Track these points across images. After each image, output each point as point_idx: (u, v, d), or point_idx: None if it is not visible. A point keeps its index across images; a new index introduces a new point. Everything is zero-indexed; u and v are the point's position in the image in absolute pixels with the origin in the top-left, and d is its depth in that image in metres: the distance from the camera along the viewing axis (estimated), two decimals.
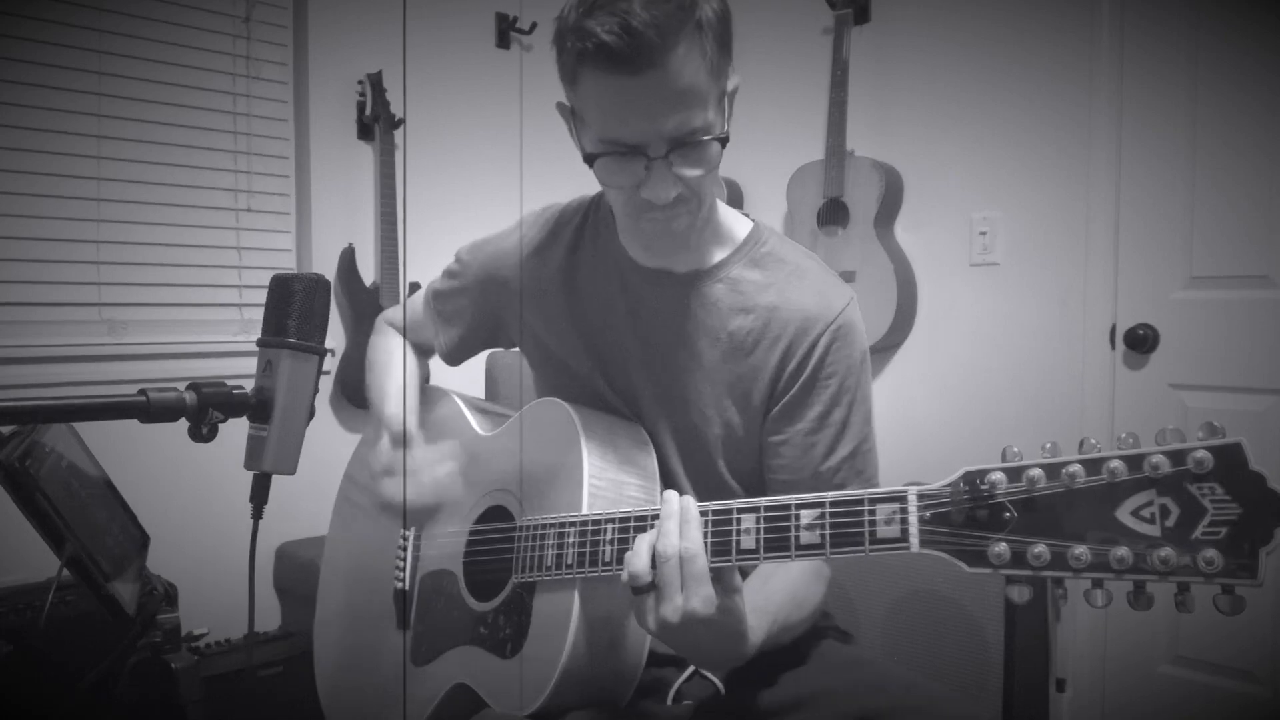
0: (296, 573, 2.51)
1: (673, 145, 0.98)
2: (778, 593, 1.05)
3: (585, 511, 1.05)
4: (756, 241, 1.17)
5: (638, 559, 0.90)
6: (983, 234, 2.64)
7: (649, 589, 0.89)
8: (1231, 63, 2.23)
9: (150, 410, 0.82)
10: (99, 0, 2.39)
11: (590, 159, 1.03)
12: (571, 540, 1.04)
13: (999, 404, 2.61)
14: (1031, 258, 2.57)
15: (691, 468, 1.16)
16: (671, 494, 0.92)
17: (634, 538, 0.98)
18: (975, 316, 2.67)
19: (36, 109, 2.31)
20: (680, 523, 0.89)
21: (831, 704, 1.05)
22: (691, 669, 1.12)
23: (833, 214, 2.71)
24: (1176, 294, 2.34)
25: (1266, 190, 2.20)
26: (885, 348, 2.76)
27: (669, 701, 1.10)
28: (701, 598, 0.87)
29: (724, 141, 1.02)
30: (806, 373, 1.11)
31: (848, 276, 2.63)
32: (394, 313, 1.47)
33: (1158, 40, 2.34)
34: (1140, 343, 2.37)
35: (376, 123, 2.81)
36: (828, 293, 1.14)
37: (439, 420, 1.37)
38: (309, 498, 1.84)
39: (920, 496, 0.81)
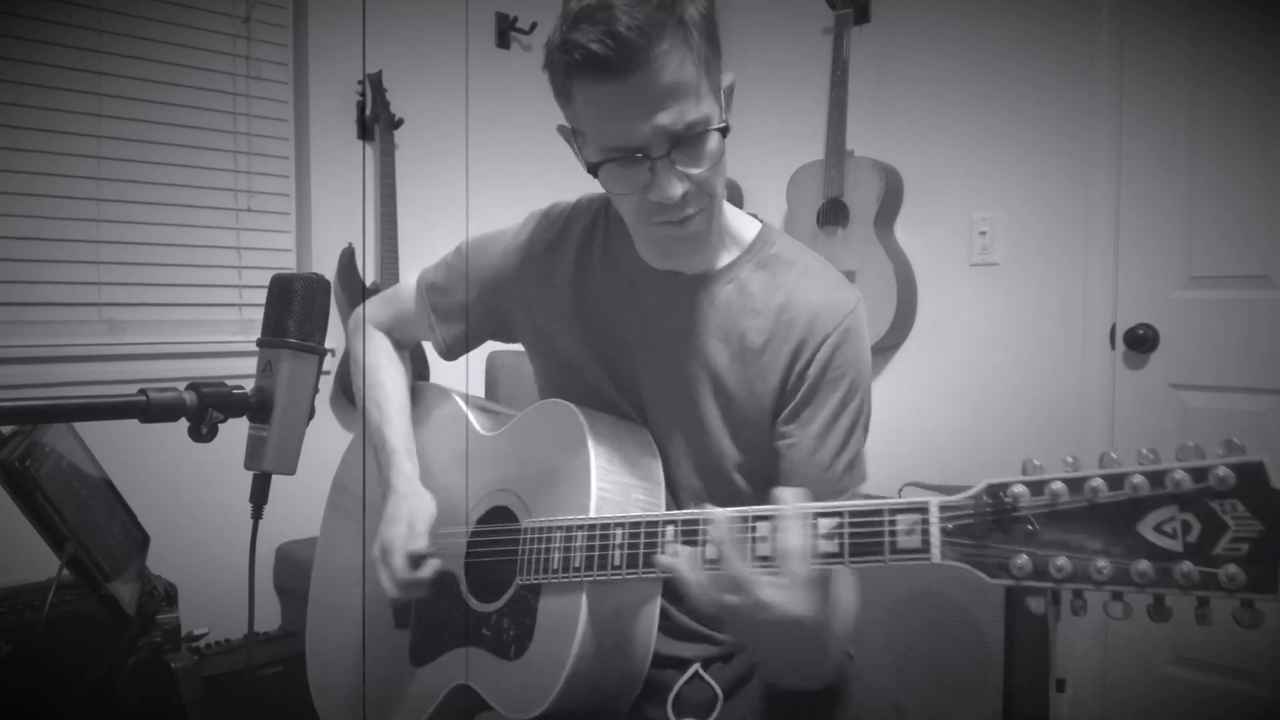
0: (296, 573, 2.51)
1: (673, 142, 0.98)
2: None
3: (593, 514, 1.04)
4: (765, 243, 1.17)
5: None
6: (983, 234, 2.64)
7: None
8: (1231, 63, 2.23)
9: (150, 410, 0.82)
10: (99, 0, 2.39)
11: (594, 169, 1.03)
12: (579, 543, 1.03)
13: (999, 404, 2.61)
14: (1031, 258, 2.57)
15: (701, 468, 1.16)
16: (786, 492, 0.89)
17: (644, 542, 0.98)
18: (975, 316, 2.67)
19: (36, 109, 2.31)
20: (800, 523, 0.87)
21: None
22: (691, 671, 1.12)
23: (833, 214, 2.71)
24: (1176, 294, 2.34)
25: (1266, 190, 2.20)
26: (885, 348, 2.76)
27: (669, 707, 1.09)
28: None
29: (724, 131, 1.02)
30: (816, 372, 1.11)
31: (847, 276, 2.63)
32: (375, 311, 1.42)
33: (1158, 40, 2.34)
34: (1140, 343, 2.36)
35: (376, 123, 2.81)
36: (836, 293, 1.14)
37: (439, 420, 1.36)
38: (309, 498, 1.83)
39: (943, 508, 0.81)
